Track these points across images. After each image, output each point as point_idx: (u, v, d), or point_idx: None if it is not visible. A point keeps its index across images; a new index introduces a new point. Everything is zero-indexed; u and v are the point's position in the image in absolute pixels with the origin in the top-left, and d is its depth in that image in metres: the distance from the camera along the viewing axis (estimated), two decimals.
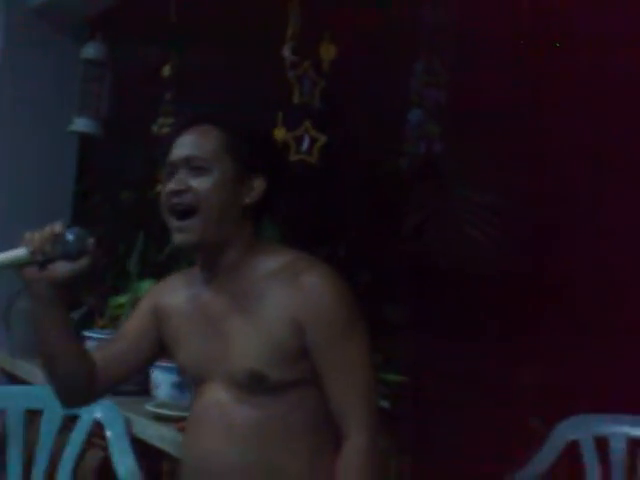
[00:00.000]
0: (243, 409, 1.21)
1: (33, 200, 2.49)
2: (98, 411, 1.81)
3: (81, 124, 2.44)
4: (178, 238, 1.22)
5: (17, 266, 1.20)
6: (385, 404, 1.71)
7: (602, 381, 1.64)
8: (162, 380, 1.80)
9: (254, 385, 1.20)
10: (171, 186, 1.20)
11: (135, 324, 1.36)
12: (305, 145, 2.04)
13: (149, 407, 1.81)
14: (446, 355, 1.87)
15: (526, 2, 1.71)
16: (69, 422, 1.85)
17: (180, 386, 1.78)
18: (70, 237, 1.17)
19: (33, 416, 1.89)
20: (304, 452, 1.22)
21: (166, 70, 2.37)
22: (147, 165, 2.38)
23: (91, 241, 1.19)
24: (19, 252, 1.20)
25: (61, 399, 1.33)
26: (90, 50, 2.48)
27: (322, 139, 2.03)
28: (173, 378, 1.78)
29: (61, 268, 1.18)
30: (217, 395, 1.23)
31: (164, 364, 1.79)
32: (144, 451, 1.80)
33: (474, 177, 1.86)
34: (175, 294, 1.33)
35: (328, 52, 1.96)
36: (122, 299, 2.09)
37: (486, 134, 1.91)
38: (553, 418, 1.52)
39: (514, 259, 1.81)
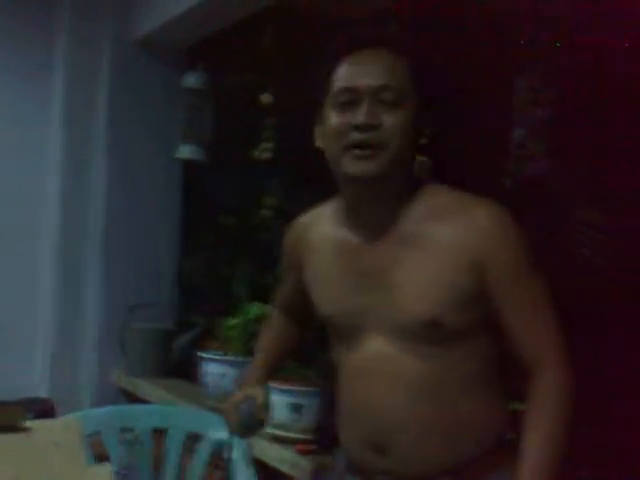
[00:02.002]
0: (412, 361, 1.14)
1: (145, 224, 2.63)
2: (221, 430, 1.89)
3: (186, 151, 2.55)
4: (356, 166, 1.10)
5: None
6: (511, 435, 1.70)
7: None
8: (279, 402, 1.86)
9: (429, 334, 1.13)
10: (359, 118, 1.09)
11: (287, 268, 1.37)
12: None
13: (268, 429, 1.87)
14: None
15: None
16: (193, 440, 1.94)
17: (297, 409, 1.83)
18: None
19: (156, 434, 1.98)
20: (477, 404, 1.17)
21: (265, 97, 2.45)
22: (248, 190, 2.47)
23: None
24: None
25: None
26: (191, 79, 2.59)
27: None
28: (290, 400, 1.84)
29: None
30: (379, 347, 1.16)
31: (280, 387, 1.85)
32: (263, 472, 1.86)
33: (586, 197, 1.83)
34: (320, 230, 1.25)
35: None
36: (234, 321, 2.17)
37: (596, 150, 1.87)
38: None
39: (632, 280, 1.77)
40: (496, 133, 1.96)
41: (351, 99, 1.11)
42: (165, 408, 2.15)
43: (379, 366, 1.17)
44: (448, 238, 1.12)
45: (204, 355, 2.14)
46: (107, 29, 2.66)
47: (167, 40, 2.65)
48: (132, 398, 2.45)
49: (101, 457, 1.96)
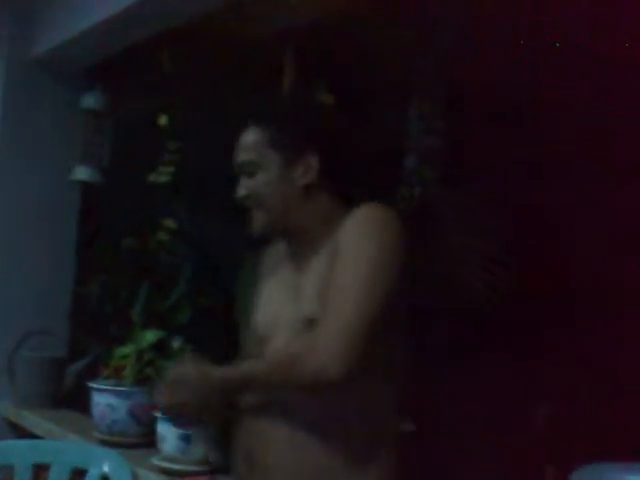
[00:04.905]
0: None
1: (38, 248, 2.52)
2: (106, 465, 1.82)
3: (82, 173, 2.48)
4: (250, 227, 1.33)
5: None
6: None
7: (620, 426, 1.62)
8: (168, 433, 1.80)
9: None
10: (237, 193, 1.33)
11: None
12: None
13: (155, 461, 1.81)
14: (451, 403, 1.88)
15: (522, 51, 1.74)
16: (77, 476, 1.86)
17: (187, 439, 1.78)
18: None
19: (40, 470, 1.89)
20: (344, 438, 1.21)
21: (163, 119, 2.41)
22: (147, 213, 2.42)
23: None
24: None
25: None
26: (90, 100, 2.53)
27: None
28: (179, 431, 1.79)
29: None
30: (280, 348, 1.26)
31: None
32: None
33: (471, 223, 1.88)
34: (275, 254, 1.41)
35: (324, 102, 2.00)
36: (127, 349, 2.10)
37: (482, 179, 1.94)
38: (569, 466, 1.52)
39: (514, 304, 1.83)
40: (386, 161, 1.99)
41: (237, 175, 1.35)
42: (48, 443, 2.06)
43: None
44: (328, 241, 1.25)
45: (94, 385, 2.06)
46: (2, 47, 2.57)
47: (65, 59, 2.57)
48: (20, 431, 2.33)
49: None
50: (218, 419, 1.40)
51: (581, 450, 1.63)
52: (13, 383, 2.41)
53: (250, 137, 1.31)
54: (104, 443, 1.99)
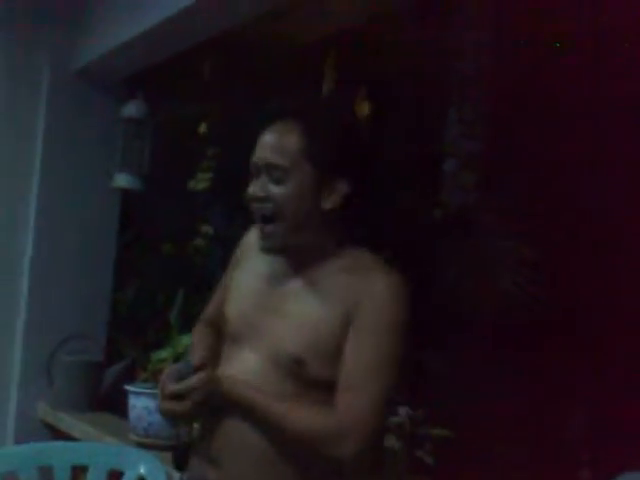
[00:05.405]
0: (276, 388, 1.19)
1: (78, 254, 2.57)
2: (142, 467, 1.82)
3: (123, 180, 2.52)
4: (262, 244, 1.23)
5: None
6: (429, 460, 1.69)
7: None
8: None
9: (293, 370, 1.18)
10: (252, 191, 1.21)
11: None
12: None
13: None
14: (489, 407, 1.85)
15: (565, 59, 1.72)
16: (114, 478, 1.86)
17: None
18: None
19: (78, 472, 1.90)
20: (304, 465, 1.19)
21: (202, 127, 2.44)
22: (185, 219, 2.45)
23: None
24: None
25: None
26: (131, 109, 2.56)
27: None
28: None
29: None
30: (252, 365, 1.22)
31: None
32: None
33: (511, 228, 1.86)
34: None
35: (362, 107, 2.01)
36: (164, 353, 2.11)
37: (523, 184, 1.92)
38: (604, 473, 1.48)
39: (553, 311, 1.80)
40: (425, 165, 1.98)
41: (255, 171, 1.22)
42: (85, 445, 2.07)
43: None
44: (336, 289, 1.19)
45: (131, 388, 2.07)
46: (46, 58, 2.63)
47: (107, 70, 2.63)
48: (57, 433, 2.35)
49: None
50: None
51: (620, 456, 1.59)
52: (51, 386, 2.44)
53: (285, 139, 1.18)
54: (140, 445, 1.99)
